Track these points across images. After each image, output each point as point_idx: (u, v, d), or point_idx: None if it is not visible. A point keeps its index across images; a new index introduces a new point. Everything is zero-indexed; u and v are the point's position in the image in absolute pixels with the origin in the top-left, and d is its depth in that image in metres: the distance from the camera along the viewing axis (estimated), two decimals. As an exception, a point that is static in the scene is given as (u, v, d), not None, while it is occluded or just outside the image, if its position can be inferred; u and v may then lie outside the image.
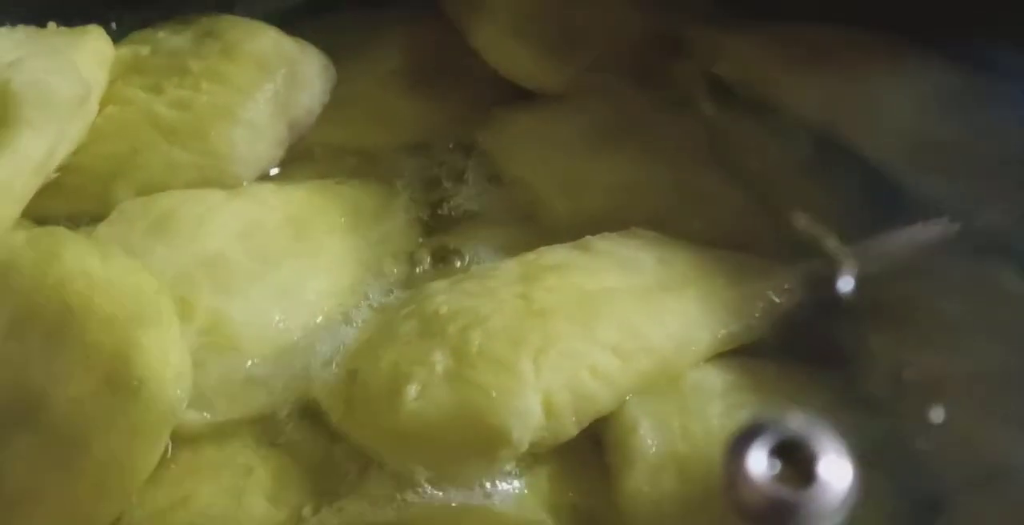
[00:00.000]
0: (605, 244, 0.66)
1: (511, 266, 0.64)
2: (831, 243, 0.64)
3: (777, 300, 0.65)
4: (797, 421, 0.40)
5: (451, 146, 0.75)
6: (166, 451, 0.59)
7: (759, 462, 0.39)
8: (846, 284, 0.62)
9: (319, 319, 0.65)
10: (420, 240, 0.71)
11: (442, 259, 0.69)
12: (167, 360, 0.58)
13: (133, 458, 0.57)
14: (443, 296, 0.63)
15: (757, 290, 0.65)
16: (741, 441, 0.40)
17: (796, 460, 0.39)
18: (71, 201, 0.67)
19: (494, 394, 0.58)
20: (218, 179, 0.68)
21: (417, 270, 0.69)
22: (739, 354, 0.64)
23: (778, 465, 0.40)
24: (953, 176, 0.64)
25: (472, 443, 0.58)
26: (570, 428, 0.60)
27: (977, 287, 0.63)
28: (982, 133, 0.63)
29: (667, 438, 0.60)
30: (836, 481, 0.39)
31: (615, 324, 0.61)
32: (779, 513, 0.39)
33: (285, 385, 0.62)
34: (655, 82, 0.74)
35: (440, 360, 0.59)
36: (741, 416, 0.60)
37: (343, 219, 0.70)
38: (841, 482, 0.39)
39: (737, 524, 0.41)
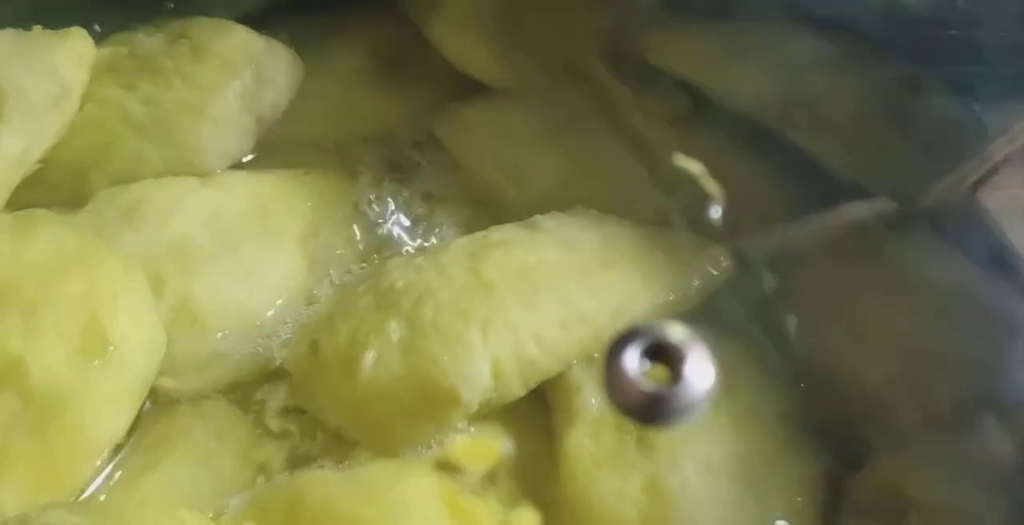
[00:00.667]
0: (550, 222, 0.70)
1: (461, 243, 0.68)
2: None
3: (715, 273, 0.69)
4: (668, 328, 0.44)
5: (411, 137, 0.80)
6: (139, 417, 0.64)
7: (633, 361, 0.44)
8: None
9: (283, 298, 0.69)
10: (380, 223, 0.75)
11: (400, 241, 0.74)
12: (140, 329, 0.63)
13: (106, 422, 0.61)
14: (398, 272, 0.67)
15: (694, 263, 0.69)
16: (619, 343, 0.44)
17: (666, 361, 0.44)
18: (51, 193, 0.71)
19: (446, 360, 0.62)
20: (188, 171, 0.72)
21: (376, 253, 0.74)
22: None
23: (648, 364, 0.44)
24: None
25: (425, 406, 0.62)
26: (517, 390, 0.64)
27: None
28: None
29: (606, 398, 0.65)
30: (700, 380, 0.44)
31: (556, 297, 0.65)
32: (651, 406, 0.43)
33: (252, 357, 0.67)
34: (596, 79, 0.78)
35: (395, 330, 0.63)
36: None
37: (307, 205, 0.74)
38: (705, 381, 0.44)
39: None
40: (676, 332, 0.44)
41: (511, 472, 0.65)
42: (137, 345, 0.62)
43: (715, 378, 0.44)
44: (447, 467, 0.63)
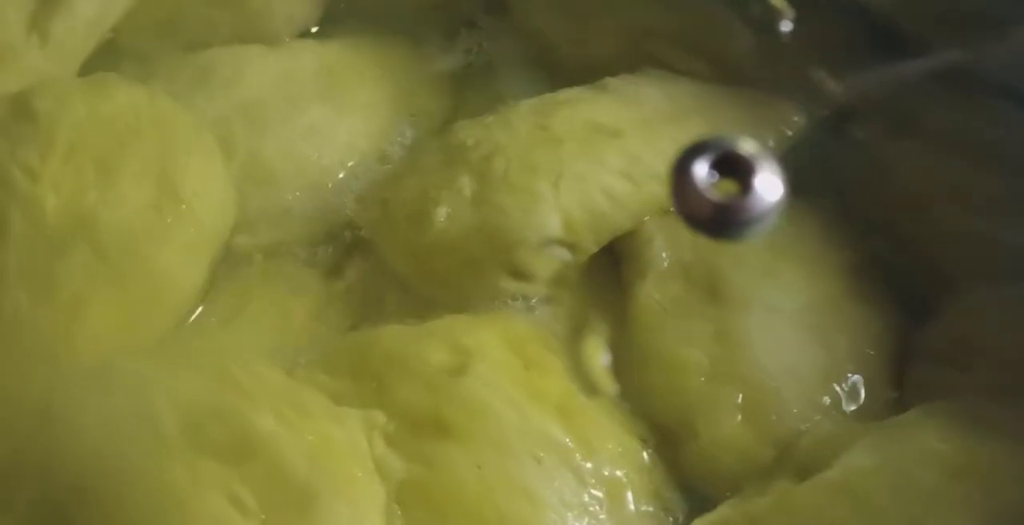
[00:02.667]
0: (616, 82, 0.69)
1: (529, 102, 0.68)
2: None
3: (786, 131, 0.69)
4: (738, 141, 0.44)
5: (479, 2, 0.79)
6: (215, 274, 0.65)
7: (702, 172, 0.43)
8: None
9: (354, 158, 0.70)
10: (448, 87, 0.76)
11: (468, 102, 0.74)
12: (212, 184, 0.64)
13: (182, 272, 0.62)
14: (467, 131, 0.67)
15: (765, 120, 0.69)
16: (688, 155, 0.44)
17: (736, 173, 0.43)
18: (122, 62, 0.72)
19: (517, 211, 0.62)
20: (256, 38, 0.73)
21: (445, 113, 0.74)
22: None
23: (717, 176, 0.44)
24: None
25: (497, 256, 0.63)
26: (588, 244, 0.64)
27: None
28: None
29: (677, 249, 0.65)
30: (769, 192, 0.43)
31: (623, 152, 0.65)
32: (720, 217, 0.43)
33: (323, 215, 0.68)
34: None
35: (465, 185, 0.64)
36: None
37: (375, 70, 0.74)
38: (774, 193, 0.43)
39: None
40: (746, 145, 0.44)
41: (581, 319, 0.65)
42: (208, 201, 0.63)
43: (784, 191, 0.44)
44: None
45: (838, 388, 0.61)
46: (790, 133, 0.69)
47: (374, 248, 0.67)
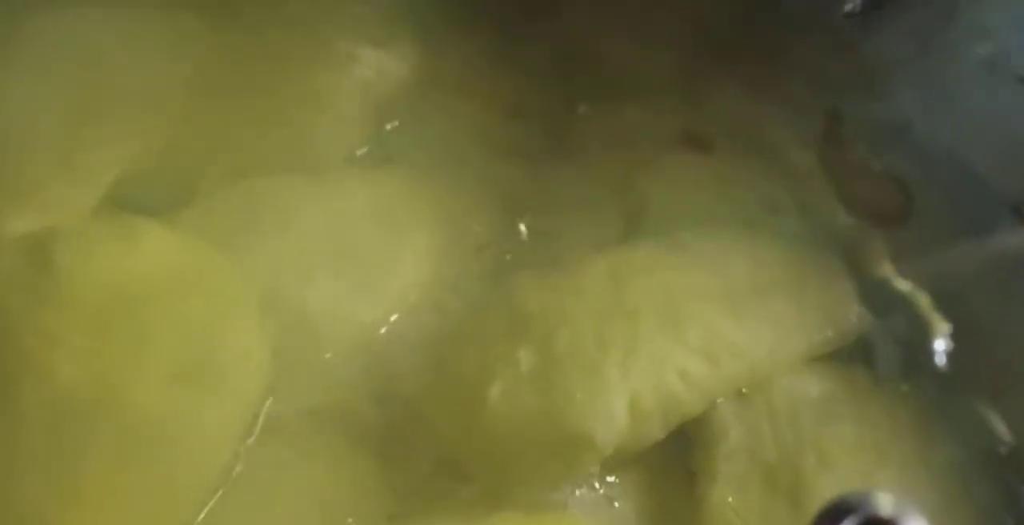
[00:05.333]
0: (696, 242, 0.64)
1: (601, 262, 0.62)
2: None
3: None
4: (883, 501, 0.38)
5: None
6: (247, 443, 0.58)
7: None
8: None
9: (403, 312, 0.63)
10: (509, 228, 0.69)
11: (531, 249, 0.67)
12: (248, 354, 0.57)
13: (211, 454, 0.56)
14: (531, 292, 0.61)
15: (850, 293, 0.63)
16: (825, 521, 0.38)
17: None
18: (159, 186, 0.65)
19: (579, 396, 0.57)
20: (304, 163, 0.66)
21: (507, 258, 0.67)
22: (834, 359, 0.62)
23: None
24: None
25: (555, 445, 0.57)
26: (656, 432, 0.58)
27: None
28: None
29: (756, 446, 0.59)
30: None
31: (704, 327, 0.60)
32: None
33: (367, 377, 0.61)
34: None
35: (525, 358, 0.58)
36: (836, 427, 0.59)
37: (431, 207, 0.67)
38: None
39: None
40: (885, 504, 0.38)
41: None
42: (246, 371, 0.57)
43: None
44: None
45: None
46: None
47: (423, 419, 0.60)
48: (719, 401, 0.60)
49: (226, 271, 0.59)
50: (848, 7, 0.67)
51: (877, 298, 0.63)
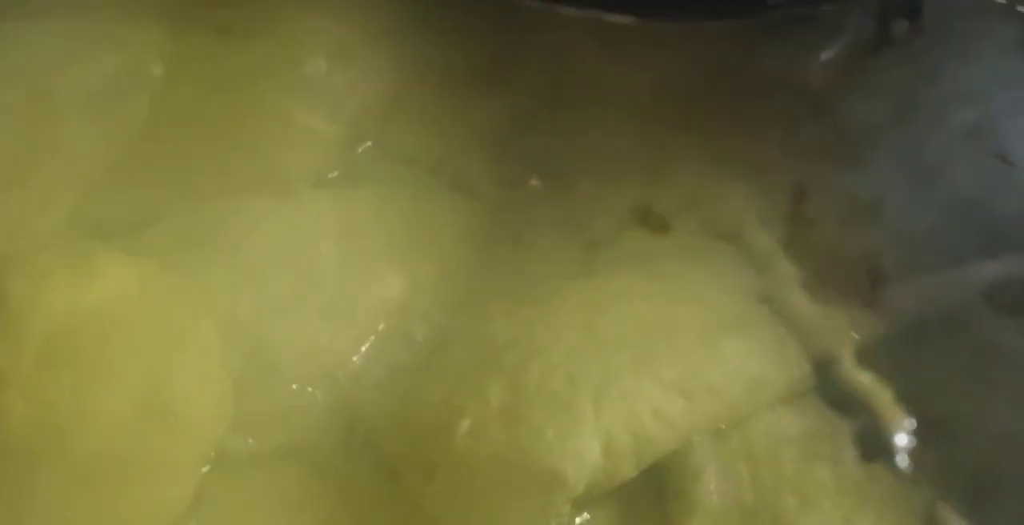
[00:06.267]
0: (676, 269, 0.62)
1: (574, 291, 0.61)
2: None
3: (856, 337, 0.61)
4: None
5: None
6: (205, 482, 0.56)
7: None
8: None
9: (371, 339, 0.61)
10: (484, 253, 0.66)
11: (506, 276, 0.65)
12: (207, 387, 0.56)
13: (166, 494, 0.54)
14: (501, 322, 0.59)
15: (835, 327, 0.61)
16: None
17: None
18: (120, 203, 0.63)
19: (550, 434, 0.55)
20: (271, 186, 0.64)
21: (480, 285, 0.65)
22: (815, 396, 0.60)
23: None
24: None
25: (524, 484, 0.55)
26: (628, 470, 0.56)
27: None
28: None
29: (733, 486, 0.57)
30: None
31: (682, 362, 0.58)
32: None
33: (332, 413, 0.59)
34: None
35: (495, 394, 0.56)
36: (818, 467, 0.57)
37: (401, 232, 0.65)
38: None
39: None
40: None
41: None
42: (202, 408, 0.55)
43: None
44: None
45: None
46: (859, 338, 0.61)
47: (389, 458, 0.58)
48: (695, 439, 0.58)
49: (186, 300, 0.57)
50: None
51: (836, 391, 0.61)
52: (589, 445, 0.55)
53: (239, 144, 0.65)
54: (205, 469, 0.56)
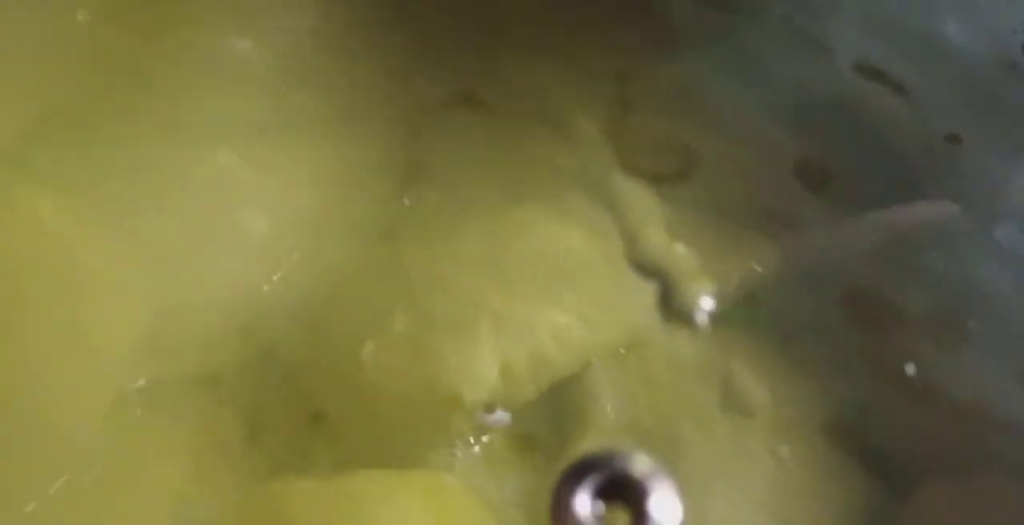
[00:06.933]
0: (584, 203, 0.64)
1: (480, 224, 0.63)
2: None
3: (759, 269, 0.63)
4: (637, 461, 0.38)
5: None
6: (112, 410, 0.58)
7: (584, 504, 0.38)
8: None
9: (284, 270, 0.63)
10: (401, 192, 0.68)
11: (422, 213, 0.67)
12: (121, 320, 0.57)
13: (82, 426, 0.56)
14: (411, 254, 0.61)
15: (740, 254, 0.63)
16: (567, 482, 0.38)
17: (626, 497, 0.38)
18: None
19: (451, 360, 0.57)
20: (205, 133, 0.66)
21: (398, 222, 0.66)
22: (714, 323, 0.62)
23: (601, 506, 0.38)
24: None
25: (425, 406, 0.57)
26: (528, 392, 0.58)
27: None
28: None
29: (630, 408, 0.59)
30: (666, 518, 0.37)
31: (582, 290, 0.59)
32: None
33: (244, 338, 0.61)
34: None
35: (399, 321, 0.58)
36: (713, 392, 0.59)
37: (324, 170, 0.67)
38: (671, 519, 0.38)
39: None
40: (639, 464, 0.38)
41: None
42: (118, 336, 0.57)
43: (683, 514, 0.38)
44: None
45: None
46: (761, 269, 0.63)
47: (296, 381, 0.60)
48: (593, 361, 0.60)
49: (103, 232, 0.59)
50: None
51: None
52: (487, 367, 0.57)
53: (172, 89, 0.67)
54: (118, 396, 0.58)
